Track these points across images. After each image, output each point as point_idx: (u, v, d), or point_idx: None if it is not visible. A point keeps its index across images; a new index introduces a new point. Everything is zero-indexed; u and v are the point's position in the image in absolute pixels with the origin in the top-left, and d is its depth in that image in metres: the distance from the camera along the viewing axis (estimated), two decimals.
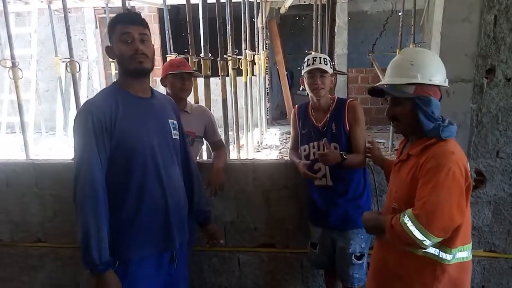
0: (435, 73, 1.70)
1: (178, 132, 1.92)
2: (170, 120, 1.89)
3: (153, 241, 1.79)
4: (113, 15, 2.00)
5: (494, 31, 2.33)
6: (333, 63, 3.71)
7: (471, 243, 1.74)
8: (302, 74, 2.45)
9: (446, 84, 1.74)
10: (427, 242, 1.55)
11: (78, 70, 3.57)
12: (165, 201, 1.81)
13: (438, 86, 1.71)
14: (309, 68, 2.36)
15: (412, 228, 1.55)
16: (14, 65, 3.56)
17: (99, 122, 1.64)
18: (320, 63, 2.34)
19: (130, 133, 1.71)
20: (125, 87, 1.77)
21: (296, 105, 2.64)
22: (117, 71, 1.92)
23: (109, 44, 1.77)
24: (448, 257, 1.66)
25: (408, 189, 1.68)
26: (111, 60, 1.83)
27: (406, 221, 1.57)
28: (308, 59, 2.39)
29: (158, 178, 1.78)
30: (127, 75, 1.76)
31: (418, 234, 1.55)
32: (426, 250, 1.65)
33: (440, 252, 1.66)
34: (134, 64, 1.71)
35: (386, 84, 1.76)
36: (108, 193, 1.68)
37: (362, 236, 2.40)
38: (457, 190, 1.57)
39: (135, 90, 1.78)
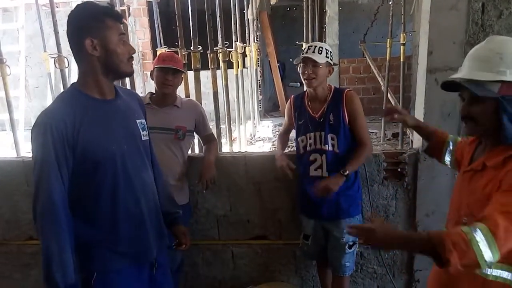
0: None
1: (147, 132, 1.81)
2: (138, 121, 1.76)
3: (130, 253, 1.71)
4: None
5: (482, 18, 2.34)
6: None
7: None
8: (295, 62, 2.42)
9: None
10: (490, 264, 1.27)
11: (66, 66, 3.53)
12: (140, 209, 1.72)
13: None
14: (302, 56, 2.34)
15: (484, 248, 1.24)
16: (1, 61, 3.51)
17: (59, 134, 1.50)
18: (314, 52, 2.31)
19: (96, 142, 1.58)
20: (87, 90, 1.61)
21: (292, 96, 2.62)
22: None
23: (80, 35, 1.55)
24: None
25: (484, 205, 1.39)
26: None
27: (478, 239, 1.24)
28: (304, 48, 2.38)
29: (130, 186, 1.68)
30: (110, 75, 1.63)
31: (488, 255, 1.25)
32: (497, 275, 1.42)
33: None
34: (130, 68, 1.66)
35: (465, 79, 1.45)
36: (78, 207, 1.58)
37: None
38: None
39: (102, 92, 1.64)
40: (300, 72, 2.39)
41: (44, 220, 1.51)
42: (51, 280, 1.51)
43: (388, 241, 1.38)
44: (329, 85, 2.45)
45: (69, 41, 1.62)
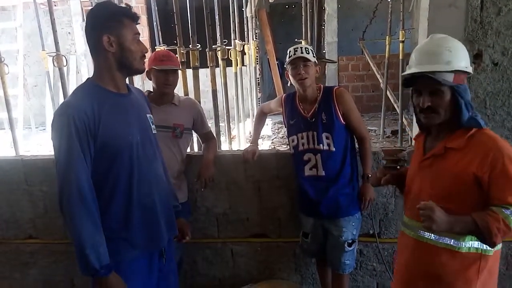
0: (467, 60, 1.65)
1: (154, 127, 1.89)
2: (148, 115, 1.85)
3: (143, 243, 1.76)
4: None
5: (481, 15, 2.33)
6: (324, 51, 3.73)
7: None
8: (285, 66, 2.42)
9: (471, 71, 1.68)
10: None
11: (65, 64, 3.52)
12: (152, 199, 1.78)
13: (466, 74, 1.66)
14: (290, 58, 2.34)
15: None
16: (0, 60, 3.51)
17: (82, 125, 1.57)
18: (302, 52, 2.32)
19: (115, 133, 1.65)
20: (103, 84, 1.69)
21: (284, 95, 2.62)
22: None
23: (97, 32, 1.63)
24: (491, 248, 1.62)
25: (452, 184, 1.62)
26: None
27: None
28: (290, 51, 2.37)
29: (144, 176, 1.74)
30: (123, 70, 1.71)
31: None
32: (469, 246, 1.62)
33: (484, 245, 1.60)
34: (142, 66, 1.74)
35: (425, 72, 1.62)
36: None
37: (353, 223, 2.42)
38: None
39: (117, 86, 1.72)
40: (291, 75, 2.38)
41: (74, 206, 1.56)
42: (87, 262, 1.56)
43: (442, 222, 1.52)
44: (318, 85, 2.45)
45: (86, 36, 1.71)
